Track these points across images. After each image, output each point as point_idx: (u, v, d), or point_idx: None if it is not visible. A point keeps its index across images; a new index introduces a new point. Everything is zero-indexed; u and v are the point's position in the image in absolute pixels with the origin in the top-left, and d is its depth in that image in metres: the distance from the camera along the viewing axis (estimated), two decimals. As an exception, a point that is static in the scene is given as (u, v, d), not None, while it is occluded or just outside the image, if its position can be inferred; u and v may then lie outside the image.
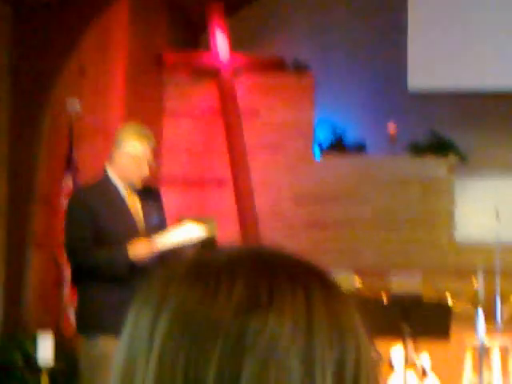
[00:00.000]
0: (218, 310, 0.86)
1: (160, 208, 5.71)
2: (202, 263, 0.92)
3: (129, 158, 5.49)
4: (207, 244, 5.69)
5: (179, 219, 9.16)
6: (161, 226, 5.59)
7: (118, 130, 5.68)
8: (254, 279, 0.88)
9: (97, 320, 5.41)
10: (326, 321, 0.88)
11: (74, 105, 9.01)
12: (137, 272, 5.32)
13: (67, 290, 8.36)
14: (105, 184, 5.57)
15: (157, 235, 5.44)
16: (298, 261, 0.93)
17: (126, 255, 5.31)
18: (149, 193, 5.68)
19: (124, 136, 5.56)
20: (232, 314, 0.86)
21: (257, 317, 0.86)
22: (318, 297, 0.89)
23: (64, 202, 8.57)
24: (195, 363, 0.86)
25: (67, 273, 8.10)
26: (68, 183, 8.65)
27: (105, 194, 5.52)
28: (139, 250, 5.32)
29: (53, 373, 7.04)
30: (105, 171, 5.62)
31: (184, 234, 5.43)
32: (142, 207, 5.56)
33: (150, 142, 5.60)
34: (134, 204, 5.56)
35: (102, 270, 5.38)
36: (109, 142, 9.43)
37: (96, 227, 5.42)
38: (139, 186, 5.54)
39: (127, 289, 5.30)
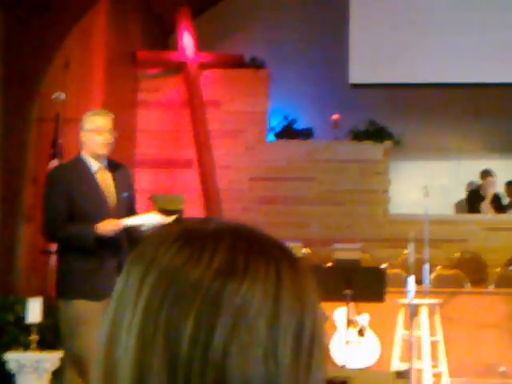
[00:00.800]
0: (200, 272, 0.87)
1: (130, 184, 5.68)
2: (191, 231, 0.92)
3: (90, 132, 5.41)
4: (176, 217, 5.69)
5: (150, 197, 9.16)
6: (130, 199, 5.57)
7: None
8: (234, 249, 0.89)
9: (69, 285, 5.36)
10: (291, 292, 0.89)
11: (60, 95, 8.94)
12: (104, 244, 5.29)
13: (53, 259, 8.32)
14: (78, 163, 5.49)
15: (121, 208, 5.43)
16: (272, 239, 0.94)
17: (92, 232, 5.25)
18: (120, 170, 5.62)
19: (84, 119, 5.51)
20: (211, 276, 0.86)
21: (233, 281, 0.86)
22: (286, 271, 0.90)
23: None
24: (176, 316, 0.86)
25: (52, 244, 8.10)
26: (54, 164, 8.60)
27: (78, 171, 5.44)
28: (107, 227, 5.30)
29: (41, 330, 7.03)
30: (78, 153, 5.55)
31: (147, 219, 5.40)
32: (114, 183, 5.50)
33: (107, 114, 5.55)
34: (105, 180, 5.48)
35: (71, 242, 5.34)
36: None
37: (70, 201, 5.36)
38: (105, 152, 5.45)
39: (96, 258, 5.31)
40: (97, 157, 5.47)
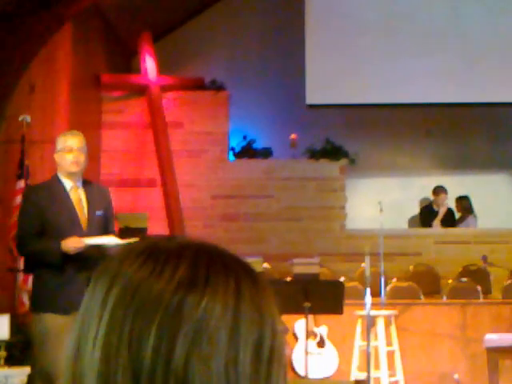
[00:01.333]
0: (162, 285, 0.87)
1: (106, 204, 5.68)
2: (155, 247, 0.92)
3: (62, 152, 5.48)
4: (140, 235, 5.68)
5: (115, 216, 9.08)
6: (105, 218, 5.57)
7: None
8: (196, 264, 0.89)
9: (40, 299, 5.40)
10: (251, 305, 0.89)
11: (25, 118, 8.89)
12: (74, 260, 5.29)
13: (21, 276, 8.25)
14: (53, 183, 5.55)
15: (94, 226, 5.43)
16: (233, 255, 0.94)
17: (57, 248, 5.28)
18: (97, 191, 5.66)
19: (57, 140, 5.60)
20: (173, 289, 0.87)
21: (194, 293, 0.87)
22: (246, 285, 0.91)
23: (17, 202, 8.49)
24: (139, 328, 0.86)
25: (20, 261, 8.03)
26: (21, 186, 8.53)
27: (51, 191, 5.48)
28: (69, 244, 5.30)
29: (9, 346, 6.94)
30: (55, 173, 5.60)
31: (108, 241, 5.41)
32: (88, 202, 5.52)
33: (76, 134, 5.59)
34: (79, 199, 5.51)
35: (38, 259, 5.38)
36: (54, 149, 9.36)
37: (43, 220, 5.40)
38: (75, 171, 5.48)
39: (66, 273, 5.32)
40: (70, 176, 5.50)
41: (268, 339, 0.90)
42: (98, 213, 5.52)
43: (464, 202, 12.08)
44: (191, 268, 0.89)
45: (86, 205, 5.52)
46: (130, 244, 0.96)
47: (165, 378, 0.85)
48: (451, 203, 12.15)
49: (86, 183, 5.63)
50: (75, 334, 0.92)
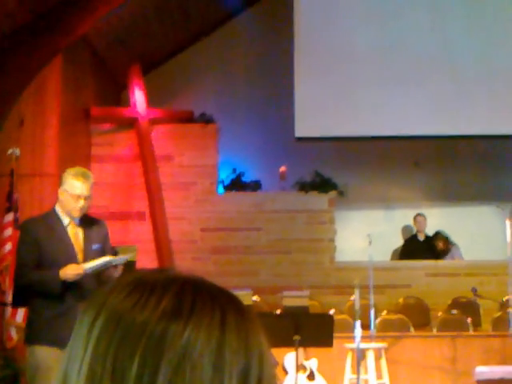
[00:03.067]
0: (146, 314, 0.87)
1: (103, 238, 5.68)
2: (142, 279, 0.93)
3: (67, 194, 5.46)
4: (129, 268, 5.68)
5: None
6: (103, 251, 5.57)
7: (63, 173, 5.64)
8: (181, 294, 0.90)
9: (34, 332, 5.38)
10: (236, 335, 0.89)
11: (14, 151, 8.90)
12: (71, 290, 5.30)
13: (8, 310, 8.21)
14: (50, 217, 5.55)
15: (90, 260, 5.44)
16: (220, 288, 0.95)
17: (56, 278, 5.29)
18: (94, 225, 5.66)
19: (65, 177, 5.54)
20: (157, 319, 0.87)
21: (177, 323, 0.87)
22: (232, 316, 0.91)
23: (6, 234, 8.48)
24: (122, 357, 0.86)
25: (9, 295, 7.99)
26: (9, 219, 8.53)
27: (49, 225, 5.49)
28: (68, 271, 5.30)
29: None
30: (53, 207, 5.60)
31: (104, 261, 5.41)
32: (84, 236, 5.53)
33: (86, 179, 5.57)
34: (76, 233, 5.52)
35: (36, 289, 5.35)
36: (46, 183, 9.37)
37: (40, 253, 5.40)
38: (78, 216, 5.49)
39: (61, 305, 5.32)
40: (67, 212, 5.51)
41: (255, 369, 0.90)
42: (95, 247, 5.53)
43: (441, 237, 12.13)
44: (176, 298, 0.90)
45: (82, 239, 5.53)
46: (118, 279, 0.97)
47: None
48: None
49: (84, 218, 5.63)
50: (63, 366, 0.92)
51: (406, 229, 12.51)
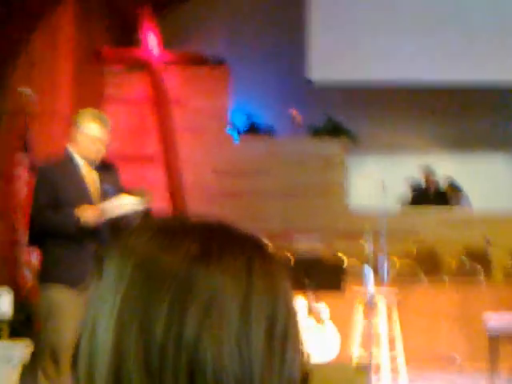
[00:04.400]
0: (175, 259, 0.87)
1: (117, 182, 5.68)
2: (167, 224, 0.94)
3: (87, 138, 5.41)
4: (143, 212, 5.68)
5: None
6: (116, 194, 5.55)
7: (77, 114, 5.57)
8: (208, 239, 0.90)
9: (48, 271, 5.42)
10: (263, 281, 0.89)
11: (25, 90, 8.86)
12: (86, 234, 5.31)
13: (23, 251, 8.25)
14: (66, 161, 5.49)
15: (102, 203, 5.44)
16: (246, 232, 0.94)
17: (74, 218, 5.29)
18: (107, 169, 5.64)
19: (83, 119, 5.46)
20: (186, 263, 0.87)
21: (205, 267, 0.87)
22: (259, 262, 0.90)
23: (22, 176, 8.47)
24: (152, 300, 0.86)
25: (24, 236, 8.02)
26: (24, 160, 8.52)
27: (65, 169, 5.44)
28: (86, 214, 5.31)
29: (12, 322, 6.95)
30: (66, 150, 5.53)
31: (125, 202, 5.41)
32: (100, 181, 5.51)
33: (106, 124, 5.54)
34: (93, 178, 5.49)
35: (55, 230, 5.35)
36: (58, 123, 9.35)
37: (57, 198, 5.38)
38: (95, 159, 5.47)
39: (79, 247, 5.33)
40: (86, 158, 5.48)
41: (282, 315, 0.90)
42: (111, 190, 5.53)
43: (452, 186, 12.13)
44: (204, 243, 0.89)
45: (98, 184, 5.51)
46: (141, 222, 0.96)
47: (176, 352, 0.85)
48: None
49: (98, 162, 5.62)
50: (89, 313, 0.92)
51: (409, 179, 12.46)
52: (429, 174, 12.06)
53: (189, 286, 0.86)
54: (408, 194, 12.38)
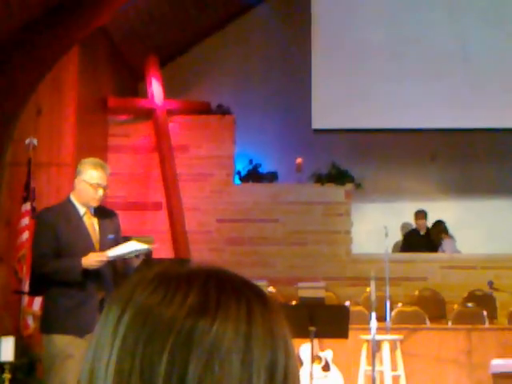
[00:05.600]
0: (173, 311, 0.87)
1: (116, 228, 5.70)
2: (166, 273, 0.93)
3: (85, 184, 5.48)
4: (146, 258, 5.68)
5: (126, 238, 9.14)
6: (116, 242, 5.57)
7: (79, 164, 5.65)
8: (206, 289, 0.90)
9: (52, 321, 5.38)
10: (263, 329, 0.90)
11: (32, 141, 8.93)
12: (90, 279, 5.33)
13: (25, 299, 8.25)
14: (66, 206, 5.56)
15: (106, 250, 5.44)
16: (243, 279, 0.94)
17: (78, 264, 5.30)
18: (107, 215, 5.67)
19: (82, 167, 5.56)
20: (184, 315, 0.87)
21: (205, 319, 0.87)
22: (257, 309, 0.91)
23: (23, 223, 8.51)
24: (150, 353, 0.86)
25: (26, 284, 8.02)
26: (27, 208, 8.56)
27: (66, 214, 5.50)
28: (91, 258, 5.32)
29: (14, 368, 6.92)
30: (68, 196, 5.61)
31: (128, 248, 5.42)
32: (100, 226, 5.55)
33: (104, 170, 5.59)
34: (92, 223, 5.54)
35: (56, 277, 5.36)
36: (61, 172, 9.40)
37: (58, 242, 5.42)
38: (95, 206, 5.53)
39: (80, 294, 5.34)
40: (84, 202, 5.53)
41: (282, 361, 0.90)
42: (110, 237, 5.55)
43: (439, 227, 12.13)
44: (202, 293, 0.89)
45: (98, 229, 5.55)
46: (140, 272, 0.96)
47: None
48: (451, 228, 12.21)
49: (98, 209, 5.65)
50: (88, 362, 0.92)
51: (404, 226, 12.48)
52: (420, 216, 12.09)
53: (189, 338, 0.86)
54: (401, 239, 12.41)
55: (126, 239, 5.77)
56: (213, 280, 0.92)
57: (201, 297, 0.89)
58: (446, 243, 11.93)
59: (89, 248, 5.44)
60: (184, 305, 0.88)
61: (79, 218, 5.52)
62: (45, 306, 5.61)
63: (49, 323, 5.43)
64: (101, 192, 5.49)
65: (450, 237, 12.11)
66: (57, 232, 5.44)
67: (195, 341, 0.86)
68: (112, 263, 5.42)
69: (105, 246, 5.50)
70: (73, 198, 5.57)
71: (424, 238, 12.08)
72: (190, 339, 0.86)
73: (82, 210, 5.54)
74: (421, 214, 12.12)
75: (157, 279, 0.92)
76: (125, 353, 0.87)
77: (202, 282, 0.91)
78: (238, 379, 0.86)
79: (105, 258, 5.33)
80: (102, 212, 5.67)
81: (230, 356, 0.86)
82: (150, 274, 0.93)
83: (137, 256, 5.42)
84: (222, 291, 0.90)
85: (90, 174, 5.49)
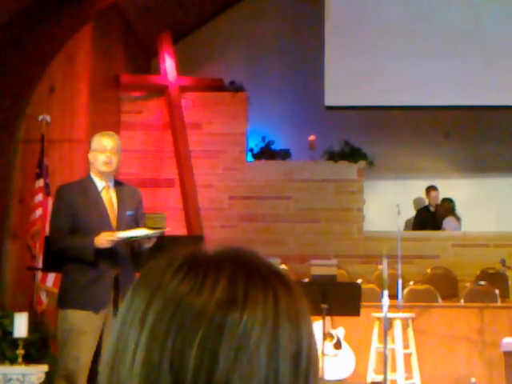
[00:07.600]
0: (203, 301, 0.88)
1: (137, 205, 5.69)
2: (194, 259, 0.93)
3: (96, 152, 5.54)
4: (159, 235, 5.68)
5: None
6: (135, 219, 5.58)
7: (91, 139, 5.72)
8: (234, 278, 0.90)
9: (67, 296, 5.44)
10: (289, 319, 0.90)
11: (45, 118, 8.92)
12: (103, 257, 5.35)
13: (39, 275, 8.28)
14: (86, 182, 5.62)
15: (124, 226, 5.45)
16: (269, 265, 0.94)
17: (90, 244, 5.33)
18: (128, 192, 5.69)
19: (93, 140, 5.63)
20: (214, 307, 0.87)
21: (234, 311, 0.87)
22: (284, 298, 0.91)
23: (37, 200, 8.52)
24: (181, 344, 0.86)
25: (39, 260, 8.05)
26: (40, 185, 8.57)
27: (84, 189, 5.55)
28: (102, 238, 5.34)
29: (27, 344, 6.96)
30: (88, 173, 5.67)
31: (139, 233, 5.43)
32: (118, 202, 5.57)
33: (111, 137, 5.63)
34: (110, 198, 5.57)
35: (71, 254, 5.41)
36: (74, 149, 9.40)
37: (74, 219, 5.46)
38: (106, 171, 5.54)
39: (94, 271, 5.38)
40: (102, 176, 5.57)
41: (305, 351, 0.91)
42: (129, 213, 5.56)
43: (446, 204, 12.10)
44: (230, 282, 0.89)
45: (116, 205, 5.57)
46: (169, 255, 0.95)
47: None
48: (462, 207, 12.18)
49: (118, 184, 5.69)
50: (113, 344, 0.92)
51: (417, 201, 12.45)
52: (431, 189, 12.09)
53: (218, 329, 0.87)
54: (414, 215, 12.40)
55: (144, 216, 5.77)
56: (240, 267, 0.92)
57: (229, 286, 0.89)
58: (447, 221, 11.89)
59: (104, 224, 5.46)
60: (213, 296, 0.88)
61: (97, 193, 5.55)
62: (62, 282, 5.68)
63: (64, 298, 5.49)
64: (109, 155, 5.51)
65: (456, 216, 12.07)
66: (74, 208, 5.48)
67: (225, 333, 0.87)
68: (129, 243, 5.44)
69: (123, 221, 5.51)
70: (92, 174, 5.62)
71: (432, 216, 12.07)
72: (219, 331, 0.87)
73: (100, 185, 5.57)
74: (432, 188, 12.10)
75: (186, 265, 0.92)
76: (154, 343, 0.87)
77: (229, 270, 0.91)
78: (264, 370, 0.87)
79: (115, 238, 5.34)
80: (124, 188, 5.70)
81: (258, 349, 0.87)
82: (178, 259, 0.93)
83: (148, 238, 5.43)
84: (249, 281, 0.90)
85: (98, 141, 5.57)
